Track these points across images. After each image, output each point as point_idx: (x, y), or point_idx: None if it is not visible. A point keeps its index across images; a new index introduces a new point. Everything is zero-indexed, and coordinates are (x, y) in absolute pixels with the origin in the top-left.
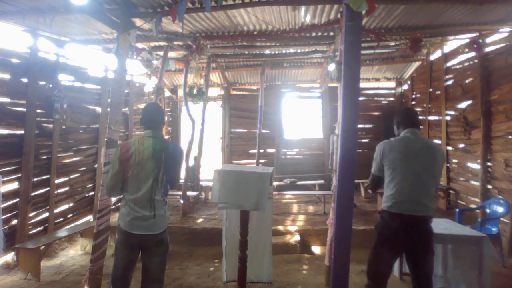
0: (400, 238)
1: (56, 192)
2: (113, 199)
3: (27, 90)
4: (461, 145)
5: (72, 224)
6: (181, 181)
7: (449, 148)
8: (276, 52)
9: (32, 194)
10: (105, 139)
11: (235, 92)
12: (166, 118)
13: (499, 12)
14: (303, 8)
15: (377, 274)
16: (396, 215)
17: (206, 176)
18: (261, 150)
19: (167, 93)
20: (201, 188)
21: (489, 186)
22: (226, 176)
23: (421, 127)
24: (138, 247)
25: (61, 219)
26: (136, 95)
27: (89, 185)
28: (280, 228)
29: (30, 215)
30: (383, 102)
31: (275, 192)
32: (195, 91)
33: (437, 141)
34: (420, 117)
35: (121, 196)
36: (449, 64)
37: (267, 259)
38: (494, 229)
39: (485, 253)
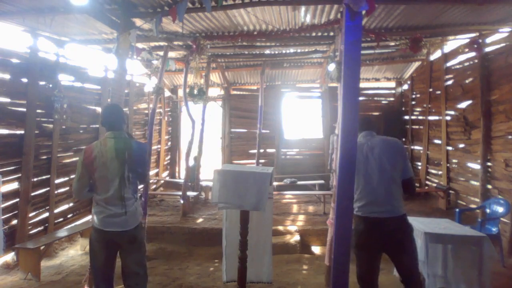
0: (371, 239)
1: (56, 192)
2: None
3: (27, 90)
4: (461, 145)
5: (72, 224)
6: (181, 181)
7: (449, 148)
8: (276, 52)
9: (32, 194)
10: None
11: (235, 92)
12: (166, 118)
13: (499, 12)
14: (303, 8)
15: (363, 276)
16: (362, 219)
17: (206, 176)
18: (261, 150)
19: (167, 93)
20: (201, 188)
21: (489, 186)
22: (226, 176)
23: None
24: (112, 244)
25: (61, 219)
26: (136, 95)
27: None
28: (280, 228)
29: (30, 215)
30: (383, 102)
31: (275, 192)
32: (195, 91)
33: (437, 141)
34: (420, 117)
35: (93, 197)
36: (449, 64)
37: (267, 259)
38: (494, 229)
39: (485, 253)
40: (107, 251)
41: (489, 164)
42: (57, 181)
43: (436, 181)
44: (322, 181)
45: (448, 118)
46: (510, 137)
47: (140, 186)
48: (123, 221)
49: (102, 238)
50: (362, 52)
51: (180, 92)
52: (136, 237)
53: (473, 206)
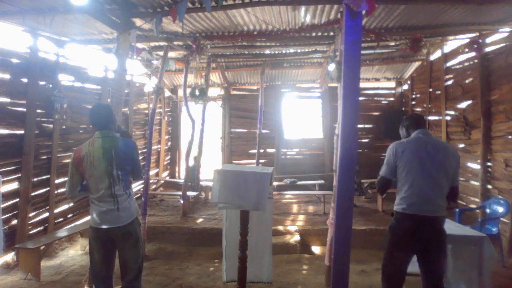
0: (413, 238)
1: (56, 192)
2: None
3: (27, 90)
4: (461, 145)
5: (72, 224)
6: (181, 181)
7: None
8: (276, 52)
9: (32, 194)
10: None
11: (235, 92)
12: (166, 118)
13: (499, 12)
14: (303, 8)
15: (392, 277)
16: (409, 216)
17: (206, 176)
18: (261, 150)
19: (167, 93)
20: (201, 188)
21: (489, 186)
22: (226, 176)
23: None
24: (109, 241)
25: (61, 219)
26: (136, 95)
27: None
28: (280, 228)
29: (30, 215)
30: (383, 102)
31: (275, 192)
32: (197, 92)
33: None
34: None
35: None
36: (449, 64)
37: (267, 259)
38: (494, 229)
39: (485, 253)
40: (105, 249)
41: (489, 164)
42: (57, 181)
43: None
44: (322, 181)
45: (448, 118)
46: (510, 137)
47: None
48: (116, 217)
49: (98, 236)
50: (362, 52)
51: (180, 92)
52: (131, 233)
53: (473, 206)
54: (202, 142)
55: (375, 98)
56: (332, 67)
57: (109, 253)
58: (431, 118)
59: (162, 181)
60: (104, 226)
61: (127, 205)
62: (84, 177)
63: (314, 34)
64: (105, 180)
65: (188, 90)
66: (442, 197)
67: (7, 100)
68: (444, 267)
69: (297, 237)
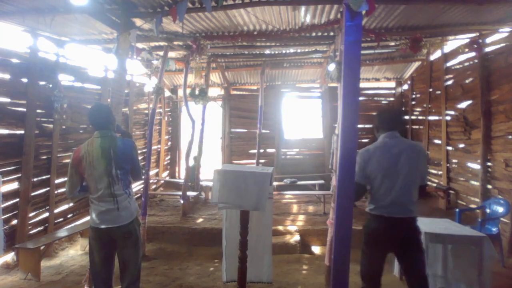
0: (381, 238)
1: (56, 192)
2: None
3: (27, 90)
4: (461, 145)
5: (72, 224)
6: (181, 181)
7: (449, 148)
8: (276, 52)
9: (32, 194)
10: None
11: (235, 92)
12: (166, 118)
13: (499, 12)
14: (303, 8)
15: (367, 274)
16: (377, 217)
17: (206, 176)
18: (261, 150)
19: (167, 93)
20: (201, 188)
21: (489, 186)
22: (226, 176)
23: (407, 126)
24: (109, 241)
25: (61, 219)
26: (136, 95)
27: None
28: (280, 228)
29: (30, 215)
30: (383, 102)
31: (275, 192)
32: (197, 92)
33: (437, 141)
34: (420, 117)
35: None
36: (449, 64)
37: (267, 259)
38: (494, 229)
39: (485, 253)
40: (105, 250)
41: (489, 164)
42: (57, 181)
43: (436, 181)
44: (322, 181)
45: (448, 118)
46: (510, 137)
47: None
48: (116, 216)
49: (98, 236)
50: (362, 52)
51: (180, 92)
52: (131, 232)
53: (473, 206)
54: (202, 142)
55: (375, 98)
56: (332, 67)
57: (109, 254)
58: (431, 118)
59: (162, 181)
60: (104, 226)
61: (127, 204)
62: (83, 177)
63: (314, 34)
64: (104, 179)
65: (188, 90)
66: (410, 199)
67: (7, 100)
68: (423, 264)
69: (297, 237)
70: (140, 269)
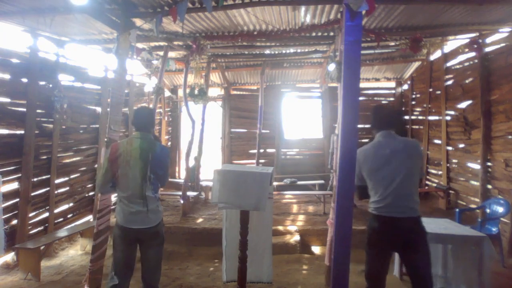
0: (383, 238)
1: (56, 192)
2: (113, 200)
3: (27, 90)
4: (461, 145)
5: (72, 224)
6: (181, 181)
7: (449, 148)
8: (276, 52)
9: (32, 194)
10: (105, 139)
11: (235, 92)
12: (166, 118)
13: (499, 12)
14: (303, 8)
15: (371, 274)
16: (377, 217)
17: (206, 176)
18: (261, 150)
19: (167, 93)
20: (201, 188)
21: (489, 186)
22: (226, 176)
23: (407, 126)
24: (135, 240)
25: (61, 219)
26: (136, 95)
27: (89, 185)
28: (280, 228)
29: (30, 215)
30: (383, 102)
31: (275, 192)
32: (196, 91)
33: (437, 141)
34: (420, 117)
35: (115, 193)
36: (449, 64)
37: (267, 259)
38: (494, 229)
39: (485, 253)
40: (130, 246)
41: (489, 164)
42: (57, 181)
43: (436, 181)
44: (322, 181)
45: (448, 118)
46: (510, 137)
47: None
48: (146, 218)
49: (125, 235)
50: (362, 52)
51: (180, 92)
52: (158, 233)
53: (473, 206)
54: (202, 142)
55: (375, 98)
56: (332, 67)
57: (133, 251)
58: (431, 118)
59: None
60: (134, 227)
61: (155, 207)
62: (115, 174)
63: (314, 34)
64: (137, 180)
65: (188, 90)
66: (409, 198)
67: (7, 100)
68: (425, 265)
69: (297, 237)
70: (161, 265)
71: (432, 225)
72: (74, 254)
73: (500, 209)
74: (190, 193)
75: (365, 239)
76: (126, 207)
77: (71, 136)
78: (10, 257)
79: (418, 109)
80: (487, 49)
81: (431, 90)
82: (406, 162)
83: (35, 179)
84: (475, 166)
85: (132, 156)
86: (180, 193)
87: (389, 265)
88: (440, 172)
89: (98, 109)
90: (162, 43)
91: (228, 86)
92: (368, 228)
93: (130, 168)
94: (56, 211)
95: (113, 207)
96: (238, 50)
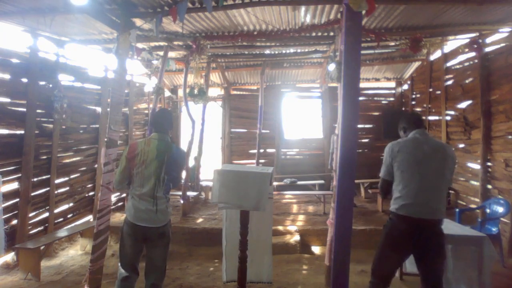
0: (408, 240)
1: (56, 192)
2: (113, 199)
3: (27, 90)
4: (461, 145)
5: (72, 224)
6: (182, 181)
7: None
8: (276, 52)
9: (32, 194)
10: (105, 139)
11: (235, 92)
12: None
13: (499, 12)
14: (303, 8)
15: (382, 273)
16: (404, 218)
17: (206, 176)
18: (261, 150)
19: (167, 93)
20: (201, 188)
21: (489, 186)
22: (226, 176)
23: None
24: (142, 238)
25: (61, 219)
26: (136, 95)
27: (89, 185)
28: (280, 228)
29: (30, 215)
30: (383, 102)
31: (275, 192)
32: (196, 91)
33: None
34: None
35: (128, 191)
36: (449, 64)
37: (267, 259)
38: (494, 229)
39: (485, 253)
40: (137, 243)
41: (489, 164)
42: (57, 181)
43: None
44: (322, 181)
45: (448, 118)
46: (510, 137)
47: None
48: (154, 217)
49: (133, 231)
50: (362, 52)
51: (180, 92)
52: (165, 233)
53: (473, 206)
54: (202, 142)
55: (375, 98)
56: (332, 67)
57: (140, 248)
58: (431, 118)
59: None
60: (142, 224)
61: (164, 208)
62: (131, 172)
63: (314, 34)
64: (151, 180)
65: (188, 90)
66: (439, 199)
67: (7, 100)
68: (442, 269)
69: (297, 237)
70: (165, 265)
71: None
72: (74, 254)
73: (500, 209)
74: (190, 193)
75: (381, 237)
76: (137, 203)
77: (71, 136)
78: (10, 257)
79: (418, 109)
80: (487, 49)
81: (431, 90)
82: (443, 163)
83: (35, 179)
84: (475, 166)
85: (148, 156)
86: (180, 193)
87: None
88: None
89: (98, 109)
90: (162, 43)
91: (228, 86)
92: (390, 228)
93: (146, 168)
94: (56, 211)
95: (113, 207)
96: (238, 50)
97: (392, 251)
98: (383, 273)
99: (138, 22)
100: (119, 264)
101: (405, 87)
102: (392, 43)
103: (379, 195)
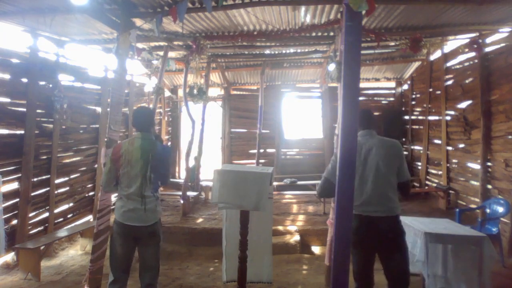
0: (363, 237)
1: (56, 192)
2: (113, 199)
3: (27, 90)
4: (461, 145)
5: (72, 224)
6: (181, 181)
7: (449, 148)
8: (276, 52)
9: (32, 194)
10: (105, 139)
11: (235, 92)
12: (167, 118)
13: (499, 12)
14: (303, 8)
15: (357, 273)
16: (356, 216)
17: (206, 176)
18: (261, 150)
19: (167, 93)
20: (201, 188)
21: (489, 186)
22: (226, 176)
23: (407, 126)
24: (133, 237)
25: (61, 219)
26: (136, 95)
27: (89, 185)
28: (280, 228)
29: (30, 215)
30: (383, 102)
31: (275, 192)
32: (195, 91)
33: (437, 141)
34: (420, 117)
35: (117, 192)
36: (449, 64)
37: (267, 259)
38: (494, 229)
39: (485, 253)
40: (127, 244)
41: (489, 164)
42: (57, 181)
43: (436, 181)
44: None
45: (448, 118)
46: (510, 137)
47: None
48: (143, 216)
49: (122, 231)
50: (362, 52)
51: (180, 92)
52: (155, 232)
53: (473, 206)
54: (202, 142)
55: (375, 98)
56: (332, 67)
57: (131, 248)
58: (431, 118)
59: None
60: (129, 223)
61: (153, 206)
62: (117, 173)
63: (314, 34)
64: (138, 179)
65: (188, 90)
66: (386, 197)
67: (7, 100)
68: (402, 265)
69: (297, 237)
70: (159, 266)
71: (432, 225)
72: (74, 254)
73: (500, 209)
74: (190, 193)
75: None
76: (125, 203)
77: (71, 136)
78: (10, 257)
79: (418, 109)
80: (487, 49)
81: (431, 90)
82: (381, 161)
83: (35, 179)
84: (475, 166)
85: (133, 156)
86: (180, 193)
87: (374, 264)
88: (440, 172)
89: (98, 109)
90: (162, 43)
91: (228, 86)
92: (352, 227)
93: (132, 168)
94: (56, 211)
95: (113, 207)
96: (238, 50)
97: (356, 249)
98: (358, 274)
99: (138, 22)
100: (109, 266)
101: (405, 87)
102: (392, 43)
103: (317, 193)
